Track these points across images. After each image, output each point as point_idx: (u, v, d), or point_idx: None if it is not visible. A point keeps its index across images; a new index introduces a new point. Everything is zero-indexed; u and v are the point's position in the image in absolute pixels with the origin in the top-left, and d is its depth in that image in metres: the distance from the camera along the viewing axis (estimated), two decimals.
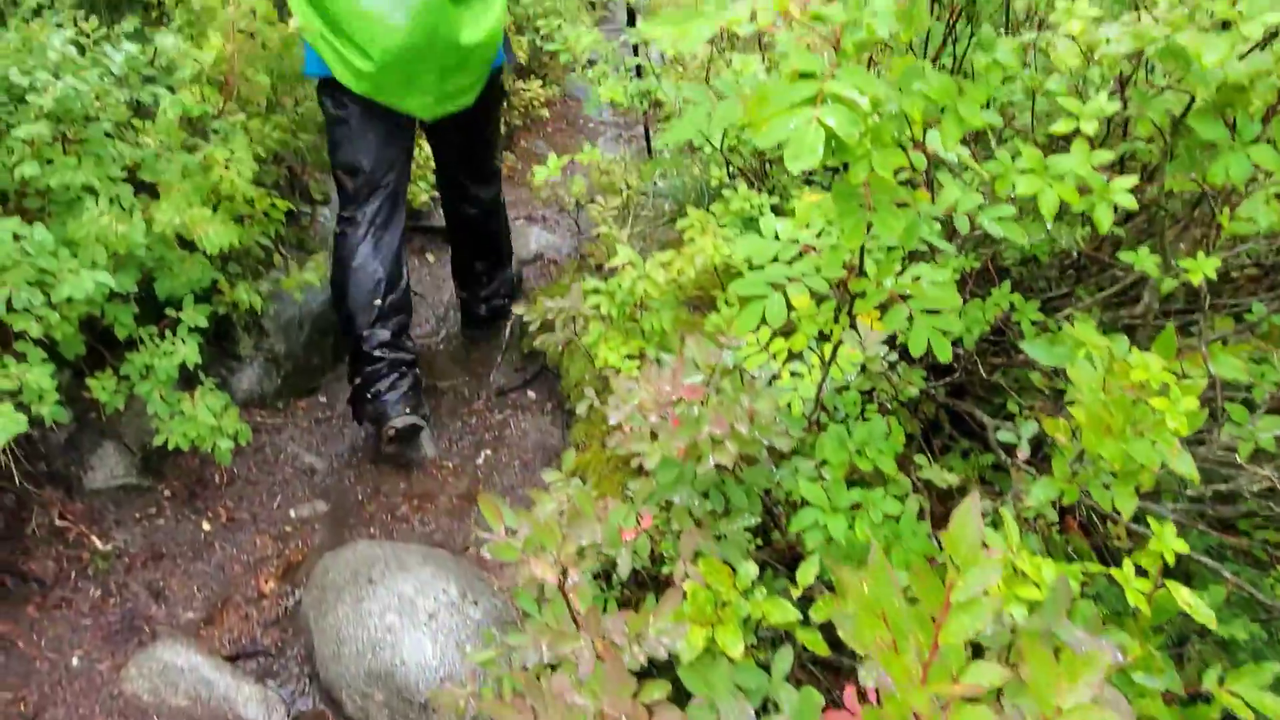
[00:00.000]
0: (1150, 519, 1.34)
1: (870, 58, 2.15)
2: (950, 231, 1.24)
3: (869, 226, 1.00)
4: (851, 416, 1.85)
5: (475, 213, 3.02)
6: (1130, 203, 0.99)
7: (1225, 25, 1.12)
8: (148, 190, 2.34)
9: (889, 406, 1.96)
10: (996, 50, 1.00)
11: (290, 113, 2.90)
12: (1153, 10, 1.10)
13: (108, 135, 2.17)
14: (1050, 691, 0.78)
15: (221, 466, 2.59)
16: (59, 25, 2.18)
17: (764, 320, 1.17)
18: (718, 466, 1.39)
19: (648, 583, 1.84)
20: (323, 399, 3.11)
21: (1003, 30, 1.65)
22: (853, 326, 1.61)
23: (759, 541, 1.72)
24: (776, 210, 2.40)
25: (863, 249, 1.20)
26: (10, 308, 1.92)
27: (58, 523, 2.30)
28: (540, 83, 5.21)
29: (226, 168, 2.27)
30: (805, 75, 0.87)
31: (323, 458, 2.83)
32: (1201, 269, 1.14)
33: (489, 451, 2.89)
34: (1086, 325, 1.34)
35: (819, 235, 1.28)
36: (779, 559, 1.76)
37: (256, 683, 2.07)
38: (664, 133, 2.95)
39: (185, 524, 2.48)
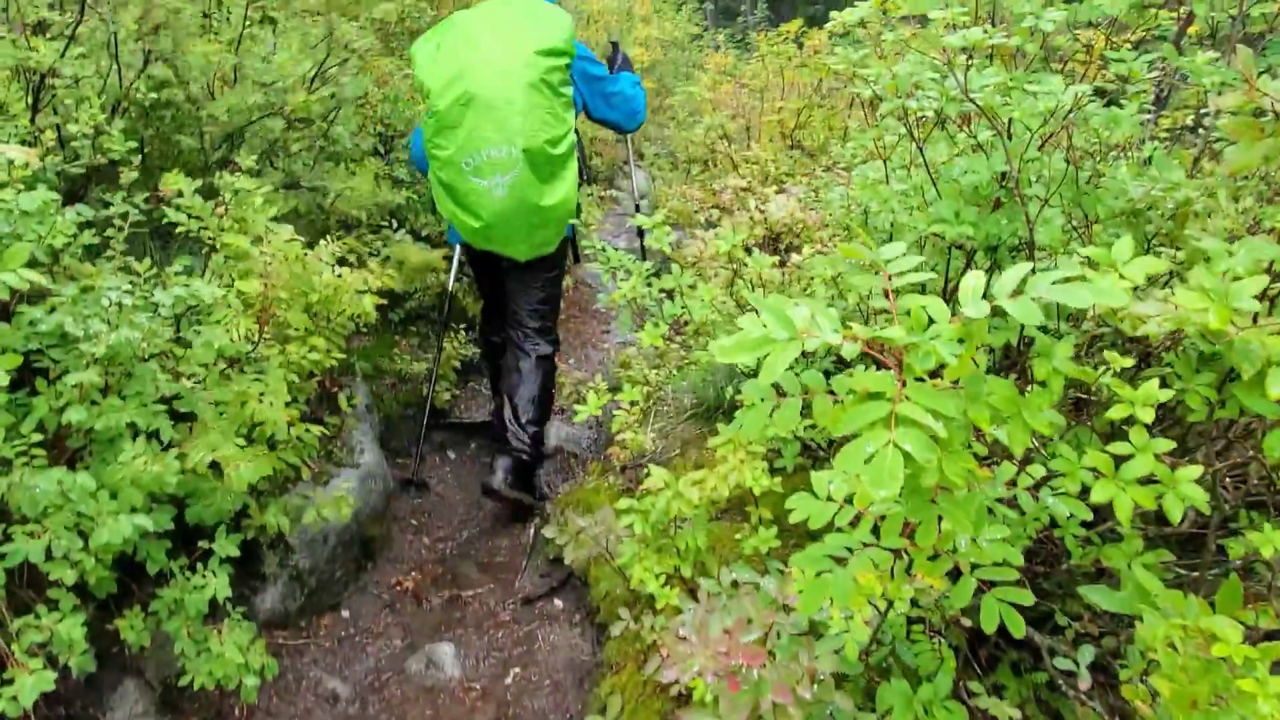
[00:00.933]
0: None
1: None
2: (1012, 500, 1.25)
3: (939, 519, 1.00)
4: (899, 639, 1.80)
5: (532, 361, 3.50)
6: (1199, 496, 1.00)
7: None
8: (184, 417, 2.38)
9: (937, 627, 1.91)
10: (1054, 357, 1.04)
11: (325, 331, 3.00)
12: (1187, 282, 1.15)
13: (147, 362, 2.23)
14: None
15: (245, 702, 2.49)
16: (116, 270, 2.29)
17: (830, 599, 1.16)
18: None
19: None
20: (345, 614, 3.03)
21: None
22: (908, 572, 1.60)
23: None
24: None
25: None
26: (49, 555, 1.91)
27: None
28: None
29: (260, 401, 2.31)
30: (875, 395, 0.90)
31: (346, 682, 2.73)
32: (1271, 542, 1.14)
33: (517, 670, 2.79)
34: (1149, 576, 1.32)
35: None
36: None
37: None
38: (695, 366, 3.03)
39: None
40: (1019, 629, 1.12)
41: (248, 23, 3.62)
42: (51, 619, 1.93)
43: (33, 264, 2.20)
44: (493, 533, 3.59)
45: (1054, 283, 0.90)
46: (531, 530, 3.52)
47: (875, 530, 1.28)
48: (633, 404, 2.94)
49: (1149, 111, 2.82)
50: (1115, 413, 1.04)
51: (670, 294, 2.38)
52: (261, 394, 2.34)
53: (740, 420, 1.11)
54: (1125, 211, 1.67)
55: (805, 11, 21.04)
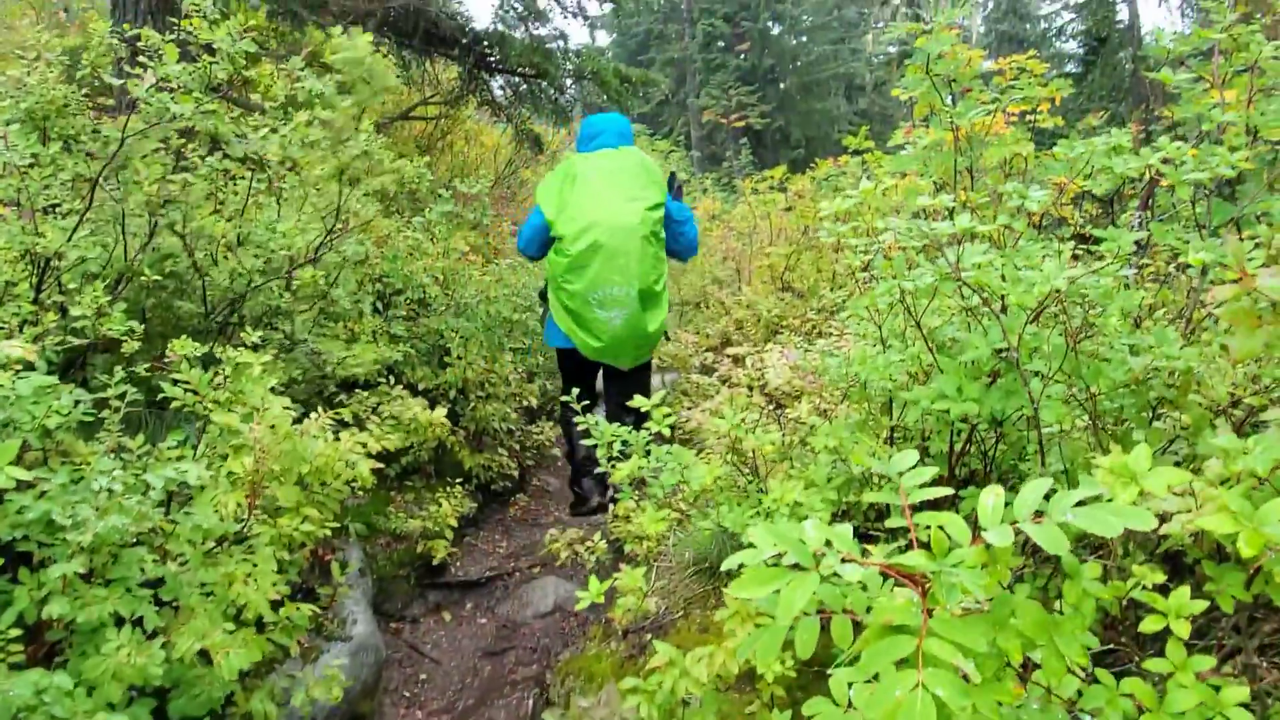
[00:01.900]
0: None
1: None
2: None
3: None
4: None
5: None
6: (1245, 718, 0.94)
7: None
8: (170, 600, 2.29)
9: None
10: (1083, 578, 1.01)
11: (320, 497, 2.94)
12: (1204, 476, 1.12)
13: (134, 545, 2.16)
14: None
15: None
16: (107, 453, 2.25)
17: None
18: None
19: None
20: None
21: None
22: None
23: None
24: None
25: None
26: None
27: None
28: (550, 424, 5.39)
29: (246, 583, 2.23)
30: (899, 629, 0.86)
31: None
32: None
33: None
34: None
35: None
36: None
37: None
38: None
39: None
40: None
41: (252, 193, 3.75)
42: None
43: (25, 449, 2.18)
44: (490, 703, 3.42)
45: (1077, 504, 0.87)
46: (530, 701, 3.35)
47: None
48: (633, 565, 2.85)
49: (1131, 261, 2.89)
50: (1149, 626, 0.99)
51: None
52: (248, 575, 2.26)
53: (752, 642, 1.05)
54: (1126, 383, 1.66)
55: (788, 156, 22.07)
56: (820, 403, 3.10)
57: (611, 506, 3.94)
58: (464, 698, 3.47)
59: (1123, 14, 18.90)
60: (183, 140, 3.14)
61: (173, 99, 2.55)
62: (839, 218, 1.80)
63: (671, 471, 2.32)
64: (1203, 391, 1.71)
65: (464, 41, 7.06)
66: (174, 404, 2.49)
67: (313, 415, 2.70)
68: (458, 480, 4.66)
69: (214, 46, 2.74)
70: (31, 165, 2.76)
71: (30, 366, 2.45)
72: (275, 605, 2.47)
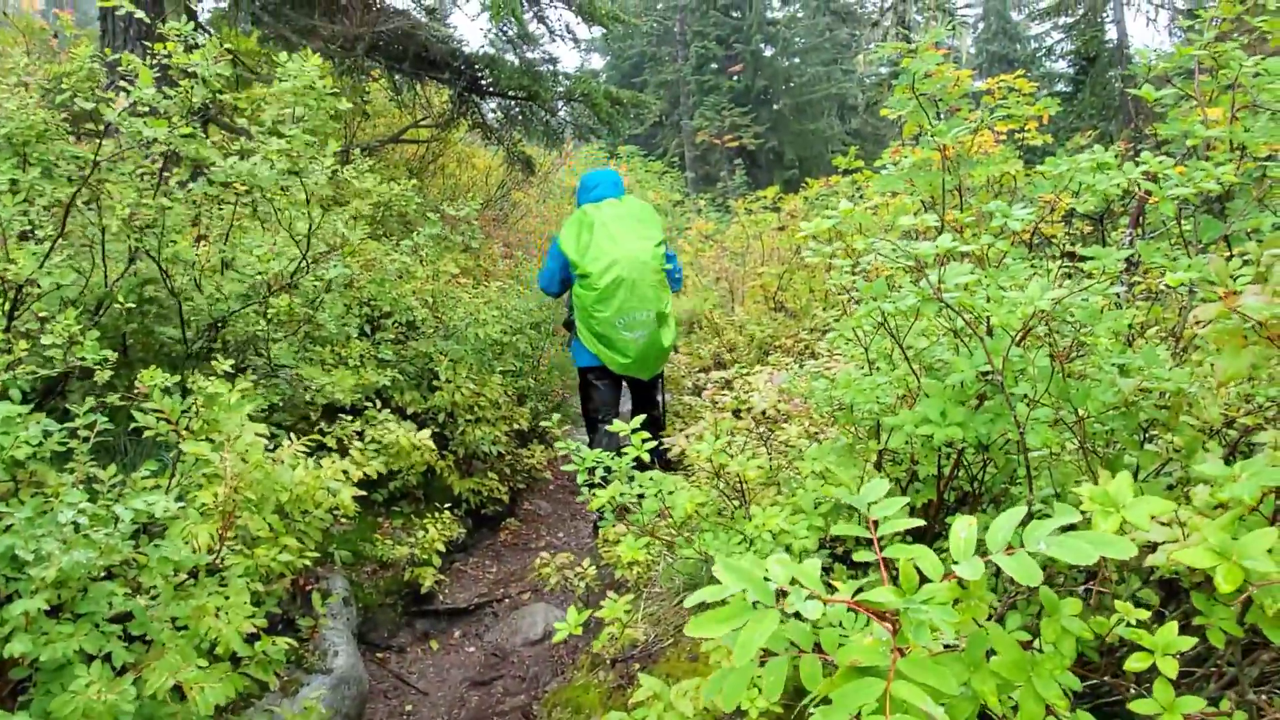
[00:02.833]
0: None
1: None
2: None
3: None
4: None
5: (651, 421, 4.64)
6: None
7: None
8: (139, 638, 2.23)
9: None
10: (1061, 614, 0.96)
11: (301, 526, 2.88)
12: (1192, 504, 1.08)
13: (104, 579, 2.11)
14: None
15: None
16: (76, 484, 2.20)
17: None
18: None
19: None
20: None
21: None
22: None
23: None
24: None
25: None
26: None
27: None
28: (542, 447, 5.33)
29: (217, 616, 2.17)
30: (866, 670, 0.81)
31: None
32: None
33: None
34: None
35: None
36: None
37: None
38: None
39: None
40: None
41: (236, 217, 3.72)
42: None
43: None
44: None
45: (1053, 534, 0.82)
46: None
47: None
48: (622, 592, 2.79)
49: (1121, 279, 2.85)
50: (1134, 664, 0.94)
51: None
52: (219, 609, 2.20)
53: (718, 683, 1.00)
54: (1116, 405, 1.62)
55: (782, 176, 22.13)
56: (811, 426, 3.05)
57: (600, 531, 3.81)
58: None
59: (1111, 33, 19.05)
60: (155, 165, 3.10)
61: (145, 123, 2.51)
62: (818, 237, 1.76)
63: (653, 498, 2.27)
64: (1195, 412, 1.67)
65: (455, 65, 7.07)
66: (147, 433, 2.44)
67: (285, 442, 2.64)
68: (447, 505, 4.59)
69: (192, 71, 2.71)
70: (8, 191, 2.72)
71: (4, 395, 2.40)
72: (252, 638, 2.41)
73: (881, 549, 0.84)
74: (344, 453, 3.45)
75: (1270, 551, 0.88)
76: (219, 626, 2.16)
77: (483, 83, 7.35)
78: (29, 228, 2.67)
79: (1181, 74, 2.38)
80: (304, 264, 3.32)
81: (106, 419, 2.33)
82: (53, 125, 3.03)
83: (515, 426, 5.22)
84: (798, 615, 0.80)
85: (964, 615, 0.82)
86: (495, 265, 7.64)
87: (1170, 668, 0.93)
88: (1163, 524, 1.06)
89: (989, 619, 1.04)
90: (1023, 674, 0.86)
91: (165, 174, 3.25)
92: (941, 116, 2.69)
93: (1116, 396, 1.60)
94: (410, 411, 4.61)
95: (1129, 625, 1.01)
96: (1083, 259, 1.81)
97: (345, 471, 2.99)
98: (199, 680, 2.06)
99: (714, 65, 24.15)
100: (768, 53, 25.03)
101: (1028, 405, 1.53)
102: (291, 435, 2.78)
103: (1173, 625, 0.97)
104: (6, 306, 2.55)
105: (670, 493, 2.23)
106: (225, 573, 2.35)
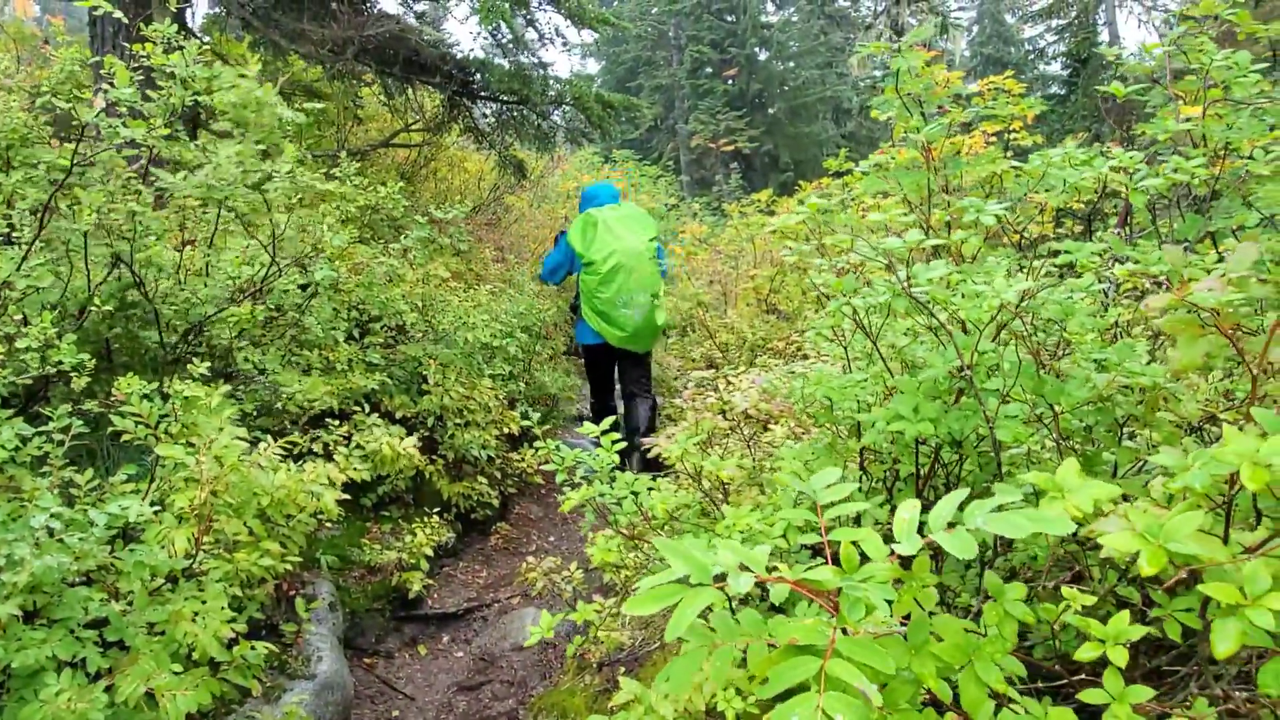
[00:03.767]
0: None
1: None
2: None
3: None
4: None
5: (644, 406, 5.52)
6: None
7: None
8: (115, 644, 2.21)
9: None
10: (1005, 598, 0.95)
11: (284, 530, 2.86)
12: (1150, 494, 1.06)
13: (76, 585, 2.09)
14: None
15: None
16: (51, 488, 2.18)
17: None
18: None
19: None
20: None
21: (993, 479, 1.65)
22: None
23: None
24: None
25: None
26: None
27: None
28: (533, 451, 5.30)
29: (194, 621, 2.16)
30: (805, 649, 0.80)
31: None
32: None
33: None
34: None
35: None
36: None
37: None
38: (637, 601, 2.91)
39: None
40: None
41: (221, 220, 3.70)
42: None
43: None
44: None
45: (992, 512, 0.81)
46: None
47: None
48: (609, 595, 2.78)
49: (1107, 277, 2.84)
50: (1085, 654, 0.93)
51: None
52: (196, 614, 2.18)
53: (669, 672, 0.99)
54: (1090, 400, 1.61)
55: (777, 179, 22.17)
56: (797, 427, 3.04)
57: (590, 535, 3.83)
58: None
59: (1104, 35, 19.09)
60: (134, 169, 3.09)
61: (124, 123, 2.50)
62: (785, 232, 1.75)
63: (630, 499, 2.25)
64: (1172, 408, 1.66)
65: (446, 69, 7.06)
66: (125, 437, 2.42)
67: (261, 445, 2.63)
68: (436, 510, 4.57)
69: (172, 72, 2.70)
70: None
71: None
72: (231, 644, 2.39)
73: (828, 533, 0.83)
74: (329, 457, 3.43)
75: (1203, 535, 0.87)
76: (195, 631, 2.14)
77: (474, 86, 7.35)
78: (8, 230, 2.65)
79: (1170, 74, 2.38)
80: (274, 270, 3.30)
81: (88, 424, 2.32)
82: (35, 128, 3.02)
83: (506, 430, 5.20)
84: (745, 600, 0.79)
85: (905, 595, 0.81)
86: (487, 269, 7.62)
87: (1120, 657, 0.92)
88: (1103, 513, 1.05)
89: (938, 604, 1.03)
90: (963, 657, 0.85)
91: (151, 179, 3.24)
92: (929, 117, 2.69)
93: (1091, 392, 1.59)
94: (400, 415, 4.60)
95: (1076, 614, 1.00)
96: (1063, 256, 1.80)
97: (329, 475, 2.98)
98: (171, 687, 2.04)
99: (709, 69, 24.20)
100: (762, 57, 25.09)
101: (999, 400, 1.52)
102: (271, 439, 2.77)
103: (1124, 614, 0.96)
104: None
105: (647, 491, 2.21)
106: (203, 578, 2.33)
